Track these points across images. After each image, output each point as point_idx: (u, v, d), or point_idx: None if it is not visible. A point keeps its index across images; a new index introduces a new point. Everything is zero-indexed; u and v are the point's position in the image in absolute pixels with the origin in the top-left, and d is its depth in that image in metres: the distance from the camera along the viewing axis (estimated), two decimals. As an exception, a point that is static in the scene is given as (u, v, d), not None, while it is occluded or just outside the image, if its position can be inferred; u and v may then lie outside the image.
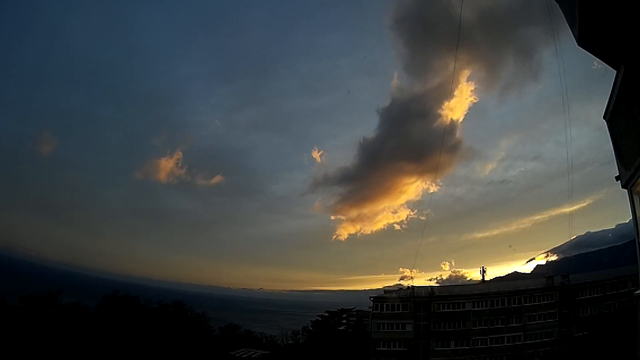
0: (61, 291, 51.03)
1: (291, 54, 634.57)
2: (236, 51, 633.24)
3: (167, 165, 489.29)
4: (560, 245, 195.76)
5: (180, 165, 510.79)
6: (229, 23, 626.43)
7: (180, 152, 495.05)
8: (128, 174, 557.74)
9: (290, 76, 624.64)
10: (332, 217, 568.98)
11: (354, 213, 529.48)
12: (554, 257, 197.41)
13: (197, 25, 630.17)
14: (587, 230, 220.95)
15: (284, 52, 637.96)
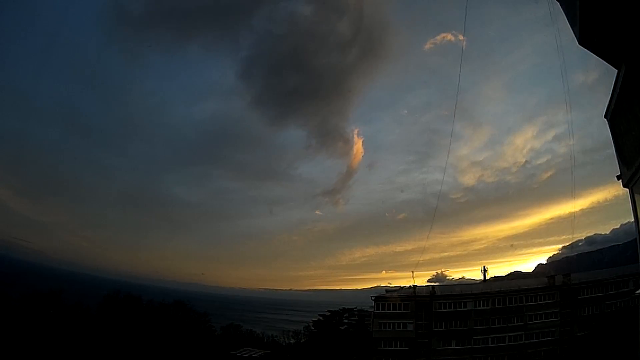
0: (62, 291, 51.07)
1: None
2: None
3: (166, 162, 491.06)
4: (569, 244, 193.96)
5: (180, 159, 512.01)
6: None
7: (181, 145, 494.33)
8: (128, 171, 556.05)
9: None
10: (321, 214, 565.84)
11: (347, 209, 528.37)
12: (555, 257, 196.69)
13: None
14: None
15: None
